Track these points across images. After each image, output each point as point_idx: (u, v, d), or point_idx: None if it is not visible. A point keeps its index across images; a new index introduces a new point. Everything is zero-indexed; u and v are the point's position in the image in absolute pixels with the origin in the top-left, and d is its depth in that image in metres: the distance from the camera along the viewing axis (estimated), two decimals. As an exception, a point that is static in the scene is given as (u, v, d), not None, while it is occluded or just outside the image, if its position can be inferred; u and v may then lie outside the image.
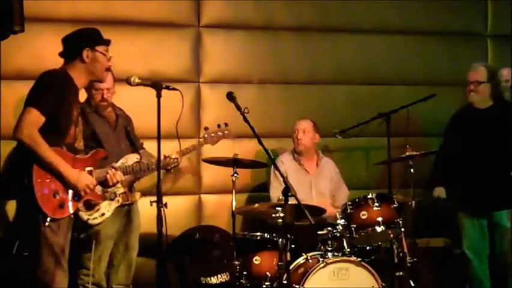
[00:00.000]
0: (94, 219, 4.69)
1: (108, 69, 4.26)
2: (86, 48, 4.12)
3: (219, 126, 5.20)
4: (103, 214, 4.74)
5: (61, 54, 4.20)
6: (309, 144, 5.81)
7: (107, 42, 4.23)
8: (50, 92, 4.00)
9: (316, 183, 5.81)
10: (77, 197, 4.05)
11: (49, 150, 3.91)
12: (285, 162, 5.77)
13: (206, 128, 5.22)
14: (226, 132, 5.20)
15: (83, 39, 4.15)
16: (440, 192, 5.69)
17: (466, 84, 5.52)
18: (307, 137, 5.78)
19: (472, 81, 5.47)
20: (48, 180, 3.92)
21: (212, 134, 5.16)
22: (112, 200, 4.80)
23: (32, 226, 3.91)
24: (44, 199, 3.88)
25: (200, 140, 5.18)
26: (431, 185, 5.75)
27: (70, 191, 4.00)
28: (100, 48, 4.17)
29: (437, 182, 5.72)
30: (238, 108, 4.20)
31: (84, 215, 4.61)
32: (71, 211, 4.02)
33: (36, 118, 3.91)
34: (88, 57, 4.13)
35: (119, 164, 4.83)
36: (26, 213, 3.94)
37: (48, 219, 3.89)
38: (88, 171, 4.16)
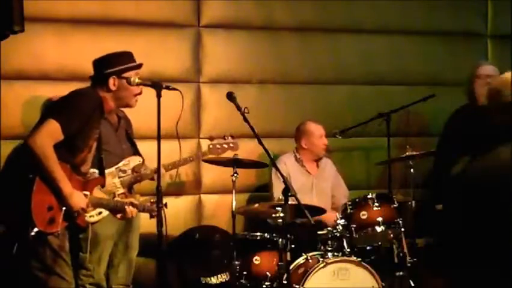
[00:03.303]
0: (90, 217, 4.67)
1: (138, 94, 4.18)
2: (113, 76, 4.08)
3: (224, 137, 5.22)
4: (100, 213, 4.72)
5: (91, 78, 4.18)
6: None
7: (137, 67, 4.18)
8: (80, 114, 3.96)
9: (318, 184, 5.80)
10: (67, 217, 4.01)
11: (57, 166, 3.86)
12: (288, 163, 5.75)
13: (211, 138, 5.23)
14: (232, 144, 5.23)
15: (111, 66, 4.10)
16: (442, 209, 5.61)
17: (473, 79, 5.46)
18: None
19: (490, 75, 5.43)
20: (47, 194, 3.89)
21: (217, 146, 5.19)
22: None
23: (22, 233, 3.90)
24: (37, 210, 3.85)
25: (203, 150, 5.26)
26: (434, 199, 5.67)
27: (63, 209, 3.97)
28: (129, 74, 4.11)
29: (439, 199, 5.63)
30: (238, 108, 4.20)
31: None
32: (59, 228, 3.98)
33: (55, 133, 3.87)
34: (115, 85, 4.08)
35: (120, 165, 4.85)
36: (18, 219, 3.92)
37: (36, 229, 3.87)
38: (83, 194, 4.12)
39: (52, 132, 3.87)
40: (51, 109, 4.03)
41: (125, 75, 4.11)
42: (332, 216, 5.35)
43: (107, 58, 4.17)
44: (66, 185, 3.92)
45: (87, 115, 4.00)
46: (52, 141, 3.86)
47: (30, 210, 3.82)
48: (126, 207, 4.44)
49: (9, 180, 3.97)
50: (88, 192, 4.15)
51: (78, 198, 4.00)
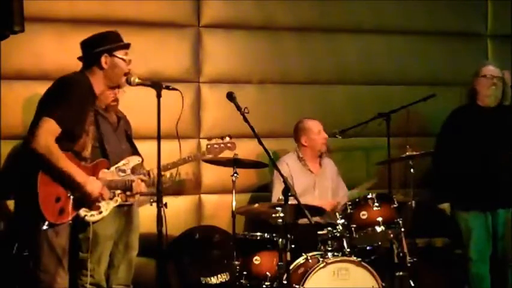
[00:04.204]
0: (91, 216, 4.68)
1: (127, 74, 4.18)
2: (105, 54, 4.07)
3: (222, 138, 5.24)
4: (100, 212, 4.73)
5: (80, 59, 4.17)
6: None
7: (126, 46, 4.18)
8: (70, 102, 3.96)
9: (320, 183, 5.80)
10: (77, 204, 4.02)
11: (64, 159, 3.89)
12: (290, 163, 5.74)
13: (209, 138, 5.26)
14: (229, 144, 5.25)
15: (101, 45, 4.09)
16: (446, 208, 5.58)
17: (477, 79, 5.46)
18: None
19: (495, 76, 5.42)
20: (52, 185, 3.90)
21: (215, 146, 5.22)
22: (110, 199, 4.80)
23: (31, 228, 3.90)
24: (45, 203, 3.87)
25: (203, 150, 5.29)
26: (436, 198, 5.66)
27: (72, 198, 3.98)
28: (119, 53, 4.12)
29: (442, 198, 5.62)
30: (238, 108, 4.20)
31: (81, 211, 4.58)
32: (70, 218, 4.01)
33: (53, 129, 3.88)
34: (107, 64, 4.08)
35: (120, 164, 4.84)
36: (26, 215, 3.93)
37: (47, 223, 3.88)
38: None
39: (50, 130, 3.88)
40: (43, 106, 4.01)
41: (117, 53, 4.11)
42: (329, 203, 5.45)
43: (96, 37, 4.16)
44: (79, 175, 3.95)
45: (79, 102, 3.99)
46: (53, 138, 3.88)
47: (38, 204, 3.82)
48: (133, 183, 4.46)
49: (11, 179, 3.98)
50: (94, 177, 4.15)
51: (94, 185, 4.03)
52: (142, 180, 4.61)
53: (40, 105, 4.03)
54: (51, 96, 4.03)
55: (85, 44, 4.17)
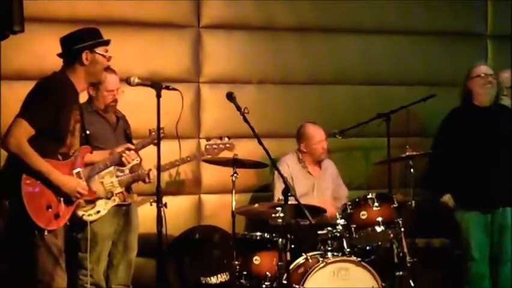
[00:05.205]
0: (88, 215, 4.69)
1: (107, 69, 4.18)
2: (86, 51, 4.06)
3: (221, 138, 5.25)
4: (98, 212, 4.74)
5: (60, 55, 4.17)
6: None
7: (106, 43, 4.17)
8: (47, 103, 3.94)
9: (319, 185, 5.80)
10: (69, 202, 4.02)
11: (38, 160, 3.87)
12: (290, 164, 5.73)
13: (208, 139, 5.26)
14: (228, 145, 5.26)
15: (81, 42, 4.07)
16: (448, 199, 5.54)
17: (471, 80, 5.47)
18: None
19: (489, 74, 5.43)
20: (38, 196, 3.89)
21: (214, 146, 5.23)
22: (108, 199, 4.80)
23: (29, 238, 3.90)
24: (38, 215, 3.86)
25: (202, 150, 5.31)
26: (437, 191, 5.65)
27: (62, 200, 3.97)
28: (100, 49, 4.11)
29: (443, 188, 5.60)
30: (238, 108, 4.20)
31: (79, 211, 4.58)
32: (67, 218, 4.01)
33: (25, 130, 3.87)
34: (88, 60, 4.07)
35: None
36: (22, 227, 3.91)
37: (46, 232, 3.88)
38: (76, 173, 4.10)
39: (21, 130, 3.88)
40: (22, 105, 4.02)
41: (97, 50, 4.09)
42: (332, 209, 5.45)
43: (77, 34, 4.14)
44: (55, 176, 3.93)
45: (58, 100, 3.97)
46: (25, 138, 3.87)
47: (32, 219, 3.83)
48: (122, 158, 4.47)
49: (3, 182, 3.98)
50: (80, 169, 4.13)
51: (71, 184, 4.00)
52: (130, 149, 4.61)
53: (21, 106, 4.04)
54: (29, 98, 4.02)
55: (65, 41, 4.15)
